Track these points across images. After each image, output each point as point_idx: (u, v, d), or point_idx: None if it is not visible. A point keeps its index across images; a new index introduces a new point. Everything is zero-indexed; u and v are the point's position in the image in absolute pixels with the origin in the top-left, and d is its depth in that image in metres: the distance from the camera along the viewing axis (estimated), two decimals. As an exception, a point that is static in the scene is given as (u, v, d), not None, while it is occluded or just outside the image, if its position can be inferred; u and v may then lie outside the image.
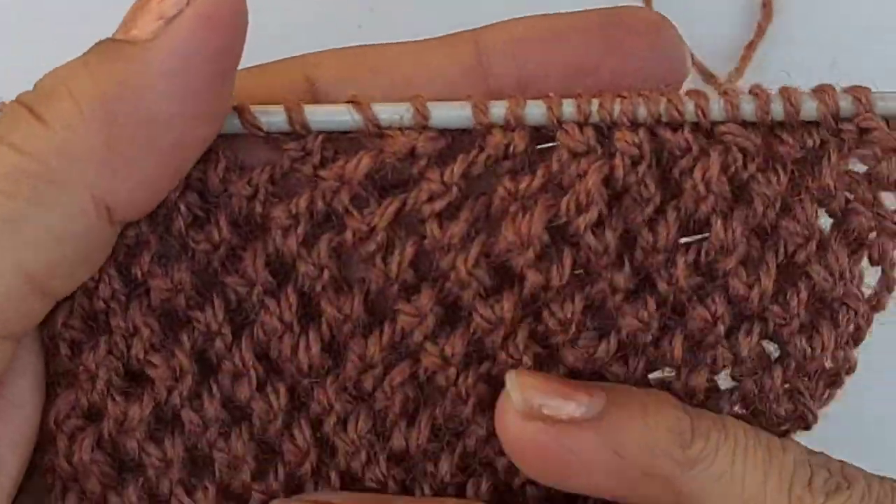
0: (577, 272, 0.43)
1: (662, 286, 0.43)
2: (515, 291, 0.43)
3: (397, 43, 0.46)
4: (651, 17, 0.44)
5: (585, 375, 0.44)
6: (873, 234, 0.43)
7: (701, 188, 0.42)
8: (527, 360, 0.43)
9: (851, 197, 0.43)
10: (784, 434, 0.45)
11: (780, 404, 0.44)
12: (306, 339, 0.44)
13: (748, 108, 0.42)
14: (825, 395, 0.45)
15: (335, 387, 0.44)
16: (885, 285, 0.44)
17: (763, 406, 0.44)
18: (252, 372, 0.44)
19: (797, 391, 0.44)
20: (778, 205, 0.42)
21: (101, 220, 0.41)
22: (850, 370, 0.45)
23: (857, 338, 0.44)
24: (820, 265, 0.43)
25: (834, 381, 0.45)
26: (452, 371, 0.43)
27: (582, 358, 0.43)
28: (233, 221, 0.44)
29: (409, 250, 0.43)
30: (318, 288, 0.43)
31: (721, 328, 0.43)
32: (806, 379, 0.44)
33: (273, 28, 0.46)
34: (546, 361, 0.44)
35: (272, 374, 0.44)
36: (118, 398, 0.44)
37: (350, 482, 0.45)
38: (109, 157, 0.40)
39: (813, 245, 0.43)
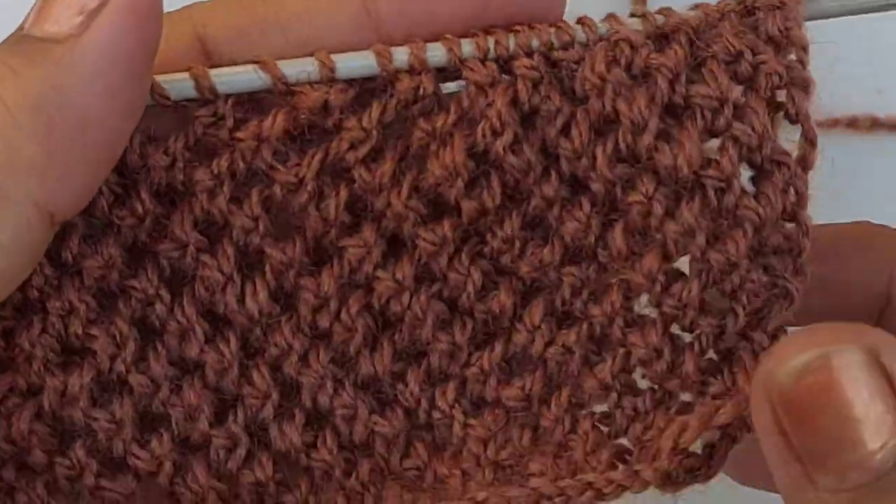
0: (512, 195, 0.45)
1: (595, 185, 0.45)
2: (454, 217, 0.45)
3: None
4: None
5: (543, 284, 0.46)
6: (784, 93, 0.45)
7: (595, 81, 0.44)
8: (475, 273, 0.46)
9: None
10: (778, 312, 0.46)
11: (757, 281, 0.45)
12: (252, 286, 0.45)
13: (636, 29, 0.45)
14: (797, 269, 0.46)
15: (290, 326, 0.46)
16: (808, 140, 0.45)
17: (737, 281, 0.45)
18: (197, 327, 0.45)
19: (769, 265, 0.46)
20: (683, 78, 0.44)
21: (45, 227, 0.41)
22: (807, 233, 0.46)
23: (800, 203, 0.45)
24: (742, 123, 0.44)
25: (798, 250, 0.46)
26: (406, 295, 0.45)
27: (532, 266, 0.46)
28: (155, 192, 0.44)
29: (343, 193, 0.44)
30: (256, 239, 0.45)
31: (658, 207, 0.44)
32: (769, 251, 0.45)
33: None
34: (498, 277, 0.46)
35: (221, 326, 0.46)
36: (56, 372, 0.44)
37: (317, 419, 0.47)
38: (49, 165, 0.40)
39: (730, 106, 0.44)
